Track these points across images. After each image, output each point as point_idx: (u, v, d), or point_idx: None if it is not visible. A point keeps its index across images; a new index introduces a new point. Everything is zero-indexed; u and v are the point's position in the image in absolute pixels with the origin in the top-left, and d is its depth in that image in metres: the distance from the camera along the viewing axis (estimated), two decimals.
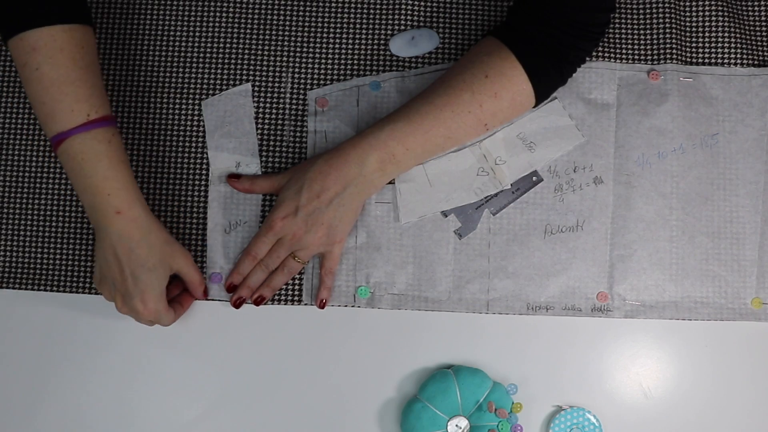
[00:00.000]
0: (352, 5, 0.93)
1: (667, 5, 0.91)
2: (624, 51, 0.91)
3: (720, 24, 0.91)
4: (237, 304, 0.87)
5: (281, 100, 0.91)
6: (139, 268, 0.78)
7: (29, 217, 0.91)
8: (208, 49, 0.92)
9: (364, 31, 0.92)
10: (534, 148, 0.89)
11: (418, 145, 0.81)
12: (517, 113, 0.83)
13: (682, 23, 0.91)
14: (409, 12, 0.92)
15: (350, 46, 0.92)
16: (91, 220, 0.79)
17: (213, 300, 0.89)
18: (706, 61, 0.91)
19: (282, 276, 0.86)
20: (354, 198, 0.83)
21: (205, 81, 0.92)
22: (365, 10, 0.92)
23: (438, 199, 0.89)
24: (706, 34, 0.91)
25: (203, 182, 0.90)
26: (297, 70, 0.92)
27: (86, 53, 0.77)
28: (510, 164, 0.89)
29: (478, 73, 0.80)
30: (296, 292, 0.89)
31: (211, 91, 0.92)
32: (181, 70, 0.92)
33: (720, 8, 0.91)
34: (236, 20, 0.93)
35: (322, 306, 0.87)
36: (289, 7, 0.93)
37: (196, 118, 0.91)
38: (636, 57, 0.91)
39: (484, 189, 0.89)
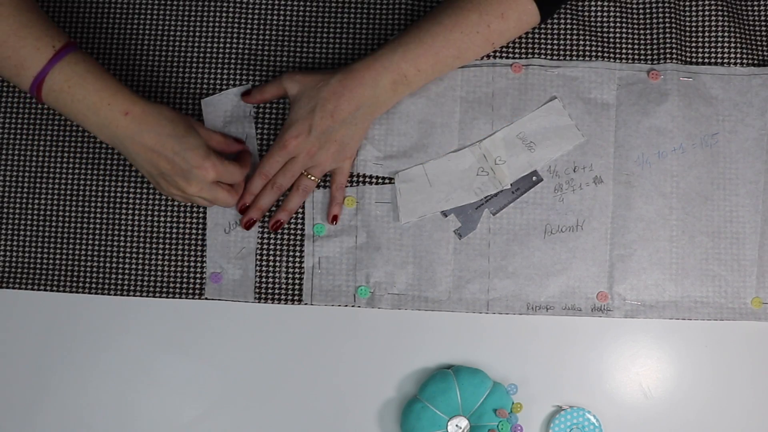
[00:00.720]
0: (352, 5, 0.93)
1: (667, 5, 0.91)
2: (624, 51, 0.91)
3: (720, 24, 0.91)
4: (248, 226, 0.88)
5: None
6: (174, 142, 0.78)
7: (29, 217, 0.91)
8: (208, 49, 0.92)
9: (364, 31, 0.92)
10: (534, 147, 0.89)
11: (429, 66, 0.83)
12: (523, 31, 0.85)
13: (682, 23, 0.91)
14: (409, 12, 0.92)
15: (350, 46, 0.92)
16: (107, 139, 0.79)
17: (213, 300, 0.89)
18: (706, 60, 0.91)
19: (297, 196, 0.87)
20: (366, 117, 0.84)
21: (205, 81, 0.92)
22: (365, 10, 0.92)
23: (438, 199, 0.89)
24: (706, 34, 0.91)
25: None
26: (297, 70, 0.92)
27: (26, 1, 0.77)
28: (510, 164, 0.89)
29: None
30: (296, 292, 0.89)
31: (211, 91, 0.92)
32: (181, 70, 0.92)
33: (720, 8, 0.91)
34: (236, 20, 0.93)
35: (334, 221, 0.88)
36: (289, 7, 0.93)
37: (196, 118, 0.91)
38: (636, 57, 0.91)
39: (484, 189, 0.89)
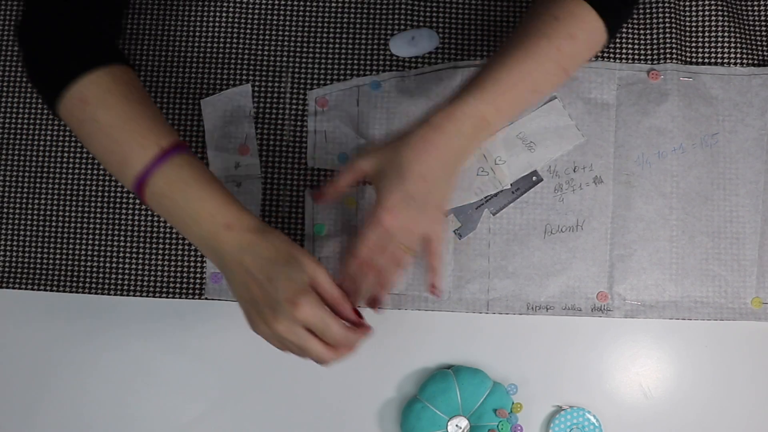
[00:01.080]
0: (352, 5, 0.93)
1: (667, 5, 0.91)
2: (624, 50, 0.91)
3: (720, 24, 0.91)
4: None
5: (281, 100, 0.91)
6: (271, 267, 0.69)
7: (29, 217, 0.91)
8: (208, 49, 0.92)
9: (364, 31, 0.92)
10: (534, 147, 0.89)
11: (507, 104, 0.76)
12: (593, 53, 0.78)
13: (682, 23, 0.91)
14: (409, 12, 0.92)
15: (350, 46, 0.92)
16: (206, 251, 0.71)
17: (213, 300, 0.89)
18: (706, 60, 0.91)
19: (394, 272, 0.76)
20: (455, 170, 0.76)
21: (205, 81, 0.92)
22: (365, 10, 0.92)
23: None
24: (706, 34, 0.91)
25: None
26: (297, 70, 0.92)
27: (134, 88, 0.73)
28: (510, 164, 0.89)
29: (547, 18, 0.77)
30: None
31: (211, 91, 0.92)
32: (181, 70, 0.92)
33: (720, 8, 0.91)
34: (236, 20, 0.93)
35: (434, 292, 0.79)
36: (289, 7, 0.93)
37: (195, 118, 0.91)
38: (636, 57, 0.91)
39: (484, 189, 0.89)
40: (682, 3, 0.92)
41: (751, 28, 0.92)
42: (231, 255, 0.70)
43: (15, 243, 0.91)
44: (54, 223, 0.91)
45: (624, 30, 0.91)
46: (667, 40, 0.91)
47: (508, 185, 0.89)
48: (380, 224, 0.73)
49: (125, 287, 0.90)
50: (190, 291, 0.89)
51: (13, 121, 0.92)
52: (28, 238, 0.91)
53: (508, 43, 0.77)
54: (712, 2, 0.91)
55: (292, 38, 0.92)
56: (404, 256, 0.75)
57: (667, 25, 0.91)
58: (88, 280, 0.90)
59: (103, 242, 0.90)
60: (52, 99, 0.72)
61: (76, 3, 0.73)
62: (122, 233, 0.90)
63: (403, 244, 0.74)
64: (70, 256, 0.90)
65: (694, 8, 0.92)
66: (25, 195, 0.91)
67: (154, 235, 0.90)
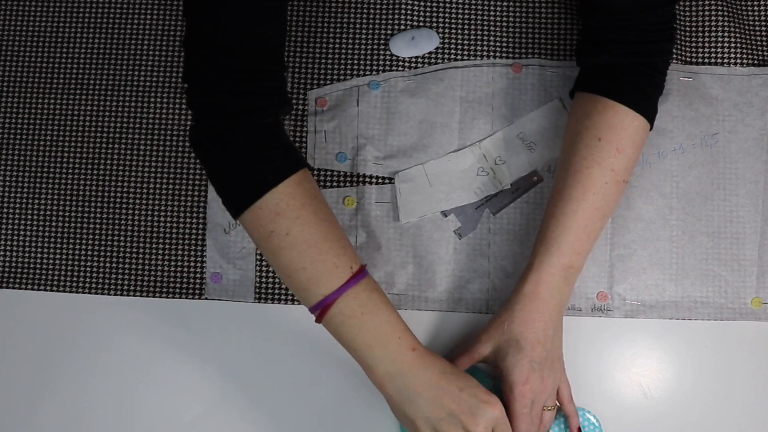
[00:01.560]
0: (352, 5, 0.93)
1: None
2: None
3: (720, 24, 0.91)
4: None
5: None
6: (458, 379, 0.73)
7: (29, 217, 0.91)
8: None
9: (364, 31, 0.92)
10: (534, 147, 0.89)
11: (584, 244, 0.79)
12: (642, 148, 0.80)
13: (682, 23, 0.91)
14: (409, 12, 0.92)
15: (350, 46, 0.92)
16: (385, 375, 0.73)
17: (213, 300, 0.89)
18: (706, 60, 0.91)
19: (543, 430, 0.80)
20: (561, 322, 0.80)
21: None
22: (365, 10, 0.92)
23: (438, 199, 0.89)
24: (706, 34, 0.91)
25: (203, 182, 0.90)
26: (297, 70, 0.92)
27: (320, 201, 0.73)
28: (510, 164, 0.89)
29: (590, 141, 0.78)
30: None
31: None
32: (181, 70, 0.92)
33: (720, 8, 0.91)
34: None
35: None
36: (289, 7, 0.93)
37: None
38: None
39: (484, 189, 0.89)
40: (682, 3, 0.92)
41: (751, 28, 0.92)
42: (417, 375, 0.72)
43: (15, 243, 0.91)
44: (54, 223, 0.91)
45: None
46: None
47: (509, 185, 0.89)
48: (522, 397, 0.76)
49: (125, 287, 0.90)
50: (190, 291, 0.89)
51: (13, 121, 0.92)
52: (28, 238, 0.91)
53: (562, 178, 0.79)
54: (712, 2, 0.91)
55: (292, 38, 0.92)
56: (547, 415, 0.79)
57: None
58: (88, 280, 0.90)
59: (103, 242, 0.90)
60: (238, 210, 0.72)
61: (246, 90, 0.71)
62: (122, 233, 0.90)
63: (545, 405, 0.79)
64: (70, 256, 0.90)
65: (694, 8, 0.92)
66: (25, 195, 0.91)
67: (154, 235, 0.90)
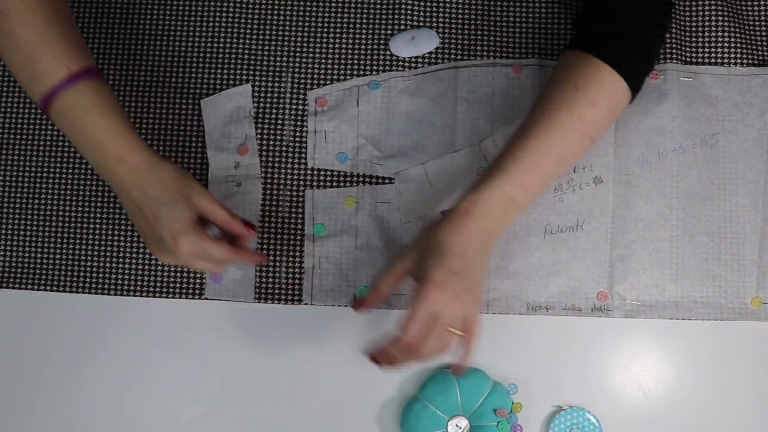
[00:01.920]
0: (352, 5, 0.93)
1: None
2: None
3: (720, 24, 0.91)
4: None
5: (281, 100, 0.91)
6: (157, 206, 0.73)
7: (29, 217, 0.91)
8: (208, 49, 0.92)
9: (364, 31, 0.92)
10: None
11: (534, 183, 0.77)
12: (617, 114, 0.80)
13: (682, 23, 0.91)
14: (409, 12, 0.92)
15: (350, 46, 0.92)
16: (104, 178, 0.75)
17: (213, 300, 0.89)
18: (706, 60, 0.91)
19: (438, 356, 0.75)
20: (487, 250, 0.78)
21: (205, 81, 0.92)
22: (365, 10, 0.92)
23: (438, 199, 0.89)
24: (706, 34, 0.91)
25: (203, 182, 0.90)
26: (297, 70, 0.92)
27: (57, 10, 0.73)
28: None
29: (567, 87, 0.77)
30: (296, 292, 0.89)
31: (211, 91, 0.92)
32: (181, 70, 0.92)
33: (720, 8, 0.91)
34: (236, 20, 0.93)
35: (462, 372, 0.82)
36: (289, 7, 0.93)
37: (195, 118, 0.91)
38: None
39: None
40: (682, 3, 0.92)
41: (751, 28, 0.92)
42: (121, 187, 0.74)
43: (15, 243, 0.91)
44: (54, 223, 0.91)
45: None
46: (667, 40, 0.91)
47: None
48: (428, 299, 0.72)
49: (125, 287, 0.90)
50: (190, 291, 0.89)
51: (13, 121, 0.92)
52: (28, 238, 0.91)
53: (530, 116, 0.78)
54: (712, 2, 0.91)
55: (292, 38, 0.92)
56: (451, 339, 0.74)
57: None
58: (88, 280, 0.90)
59: (103, 242, 0.90)
60: None
61: None
62: (122, 233, 0.90)
63: (451, 326, 0.73)
64: (70, 256, 0.90)
65: (694, 8, 0.92)
66: (25, 195, 0.91)
67: None
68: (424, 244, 0.76)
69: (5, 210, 0.91)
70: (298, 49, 0.92)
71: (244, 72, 0.92)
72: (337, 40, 0.92)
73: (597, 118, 0.77)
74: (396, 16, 0.92)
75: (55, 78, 0.72)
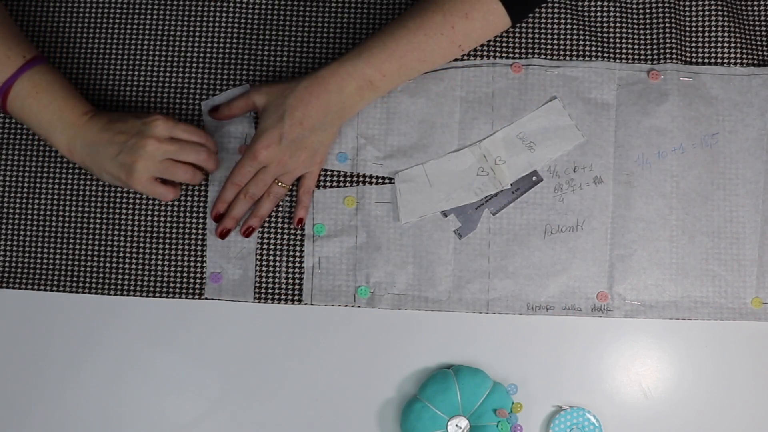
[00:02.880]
0: (352, 5, 0.93)
1: (667, 5, 0.91)
2: (624, 51, 0.91)
3: (720, 24, 0.91)
4: (222, 235, 0.88)
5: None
6: (125, 119, 0.83)
7: (29, 217, 0.91)
8: (208, 49, 0.92)
9: (364, 31, 0.92)
10: (534, 147, 0.89)
11: (394, 70, 0.82)
12: (492, 33, 0.84)
13: (682, 23, 0.91)
14: None
15: (350, 46, 0.92)
16: (69, 142, 0.82)
17: (213, 300, 0.89)
18: (706, 60, 0.91)
19: (268, 202, 0.87)
20: (334, 122, 0.85)
21: (205, 81, 0.92)
22: (365, 10, 0.92)
23: (438, 199, 0.89)
24: (706, 34, 0.91)
25: (203, 182, 0.90)
26: (297, 70, 0.92)
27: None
28: (510, 164, 0.89)
29: None
30: (296, 292, 0.89)
31: (211, 91, 0.92)
32: (181, 70, 0.92)
33: (720, 8, 0.91)
34: (236, 20, 0.93)
35: (299, 224, 0.88)
36: (289, 7, 0.93)
37: (196, 118, 0.91)
38: (636, 57, 0.91)
39: (483, 189, 0.89)
40: (682, 3, 0.92)
41: (751, 28, 0.92)
42: (91, 129, 0.82)
43: (15, 243, 0.91)
44: (54, 223, 0.91)
45: (624, 30, 0.91)
46: (667, 40, 0.91)
47: (509, 185, 0.89)
48: (254, 157, 0.84)
49: (125, 287, 0.90)
50: (190, 291, 0.89)
51: (13, 121, 0.92)
52: (28, 238, 0.90)
53: (406, 13, 0.83)
54: (712, 2, 0.91)
55: (292, 38, 0.92)
56: (276, 189, 0.86)
57: (667, 25, 0.91)
58: (88, 280, 0.90)
59: (103, 242, 0.90)
60: None
61: None
62: (122, 233, 0.90)
63: (277, 177, 0.86)
64: (70, 256, 0.90)
65: (694, 8, 0.92)
66: (25, 195, 0.91)
67: (154, 235, 0.90)
68: (276, 97, 0.84)
69: (5, 210, 0.91)
70: (298, 49, 0.92)
71: (244, 72, 0.92)
72: (337, 40, 0.92)
73: (468, 31, 0.82)
74: (396, 16, 0.92)
75: (12, 66, 0.81)
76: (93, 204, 0.91)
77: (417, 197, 0.89)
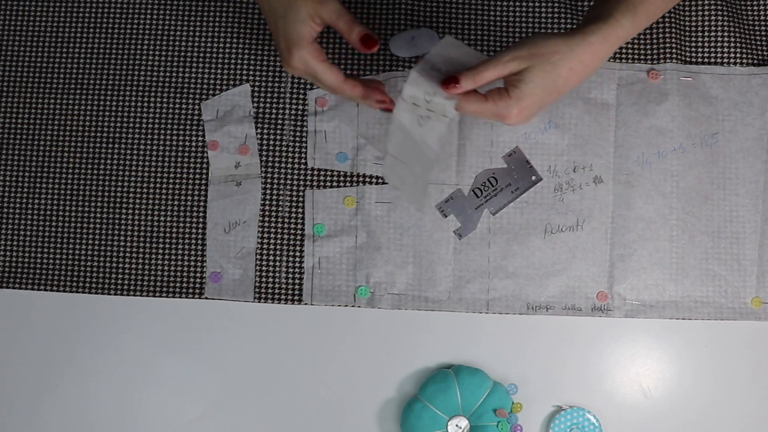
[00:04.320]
0: (352, 5, 0.93)
1: None
2: (624, 50, 0.91)
3: (720, 23, 0.91)
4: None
5: (281, 100, 0.91)
6: (274, 21, 0.75)
7: (29, 217, 0.91)
8: (208, 49, 0.92)
9: None
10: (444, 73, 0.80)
11: (645, 23, 0.75)
12: None
13: (682, 23, 0.91)
14: (409, 12, 0.92)
15: (350, 46, 0.92)
16: None
17: (213, 299, 0.89)
18: (706, 60, 0.91)
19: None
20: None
21: (205, 81, 0.92)
22: (365, 10, 0.92)
23: (416, 172, 0.82)
24: (706, 34, 0.91)
25: (203, 182, 0.90)
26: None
27: None
28: (440, 92, 0.76)
29: None
30: (296, 292, 0.89)
31: (211, 91, 0.92)
32: (181, 70, 0.92)
33: (720, 8, 0.91)
34: (236, 20, 0.93)
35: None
36: None
37: (196, 118, 0.91)
38: (636, 56, 0.91)
39: (435, 133, 0.77)
40: (682, 3, 0.92)
41: (751, 28, 0.92)
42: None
43: (15, 243, 0.91)
44: (54, 223, 0.91)
45: None
46: (667, 40, 0.91)
47: (453, 113, 0.77)
48: (505, 118, 0.73)
49: (125, 287, 0.90)
50: (190, 291, 0.90)
51: (13, 121, 0.92)
52: (28, 238, 0.91)
53: None
54: (712, 2, 0.91)
55: None
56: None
57: (667, 25, 0.91)
58: (88, 280, 0.90)
59: (103, 242, 0.90)
60: None
61: None
62: (122, 233, 0.90)
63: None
64: (70, 256, 0.90)
65: (694, 8, 0.92)
66: (25, 195, 0.91)
67: (154, 235, 0.90)
68: (540, 59, 0.72)
69: (5, 210, 0.91)
70: None
71: (244, 72, 0.92)
72: (337, 40, 0.92)
73: None
74: (396, 16, 0.92)
75: None
76: (93, 204, 0.91)
77: (408, 182, 0.85)
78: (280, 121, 0.91)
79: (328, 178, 0.90)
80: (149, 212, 0.90)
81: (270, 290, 0.89)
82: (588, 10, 0.77)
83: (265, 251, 0.90)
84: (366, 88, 0.78)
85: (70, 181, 0.91)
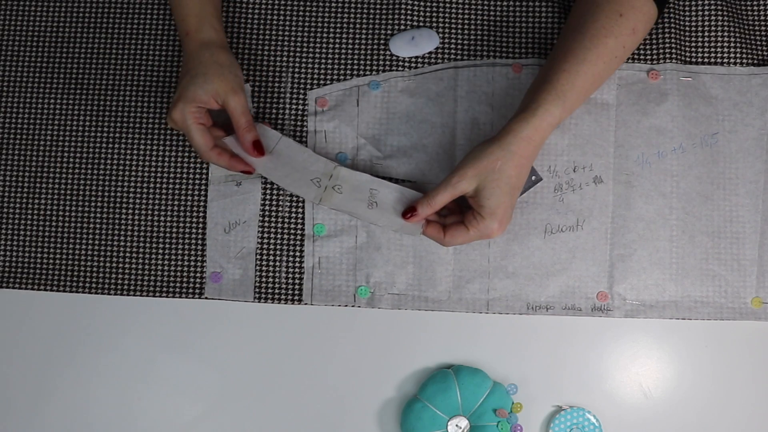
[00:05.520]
0: (352, 5, 0.93)
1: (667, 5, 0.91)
2: None
3: (720, 23, 0.91)
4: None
5: (281, 100, 0.91)
6: (184, 75, 0.82)
7: (29, 217, 0.91)
8: None
9: (364, 31, 0.92)
10: (374, 207, 0.86)
11: (577, 105, 0.81)
12: (644, 35, 0.84)
13: (682, 23, 0.91)
14: (409, 12, 0.92)
15: (350, 46, 0.92)
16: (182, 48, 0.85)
17: (213, 299, 0.89)
18: (706, 60, 0.91)
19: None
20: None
21: None
22: (365, 10, 0.93)
23: (281, 174, 0.87)
24: (706, 34, 0.91)
25: (203, 182, 0.90)
26: (297, 70, 0.92)
27: None
28: (343, 199, 0.86)
29: (611, 15, 0.81)
30: (296, 292, 0.89)
31: None
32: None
33: (720, 8, 0.91)
34: (236, 20, 0.93)
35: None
36: (289, 7, 0.93)
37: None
38: (636, 56, 0.91)
39: (308, 194, 0.87)
40: (682, 3, 0.92)
41: (751, 28, 0.92)
42: (187, 55, 0.83)
43: (15, 243, 0.91)
44: (54, 223, 0.91)
45: None
46: (667, 40, 0.91)
47: (326, 207, 0.87)
48: (490, 232, 0.80)
49: (125, 287, 0.90)
50: (190, 291, 0.90)
51: (13, 121, 0.92)
52: (28, 238, 0.91)
53: (575, 43, 0.81)
54: (712, 2, 0.91)
55: (292, 38, 0.92)
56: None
57: (667, 25, 0.91)
58: (88, 280, 0.90)
59: (103, 242, 0.90)
60: None
61: None
62: (122, 233, 0.90)
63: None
64: (70, 256, 0.90)
65: (694, 8, 0.92)
66: (25, 195, 0.91)
67: (154, 235, 0.90)
68: (486, 171, 0.79)
69: (5, 210, 0.91)
70: (298, 49, 0.92)
71: (244, 72, 0.92)
72: (337, 40, 0.92)
73: (633, 45, 0.83)
74: (396, 16, 0.92)
75: None
76: (93, 204, 0.91)
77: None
78: (280, 121, 0.91)
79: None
80: (149, 212, 0.90)
81: (270, 290, 0.89)
82: (523, 99, 0.83)
83: (265, 251, 0.90)
84: (231, 159, 0.85)
85: (70, 181, 0.91)
